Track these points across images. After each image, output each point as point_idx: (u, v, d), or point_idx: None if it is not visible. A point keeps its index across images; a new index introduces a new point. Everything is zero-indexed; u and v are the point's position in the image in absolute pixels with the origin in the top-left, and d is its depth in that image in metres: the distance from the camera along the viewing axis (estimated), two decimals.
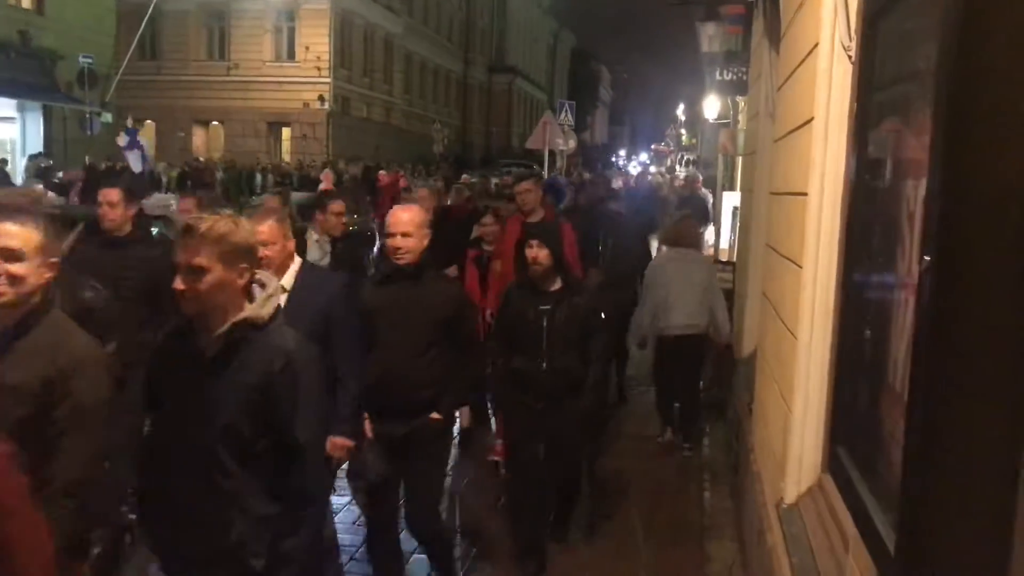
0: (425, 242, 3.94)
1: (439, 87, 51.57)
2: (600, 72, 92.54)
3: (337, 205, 6.05)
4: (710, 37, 11.38)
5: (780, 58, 5.00)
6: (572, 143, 19.33)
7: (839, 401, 3.16)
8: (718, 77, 12.91)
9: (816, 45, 3.35)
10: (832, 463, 3.15)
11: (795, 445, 3.37)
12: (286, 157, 34.68)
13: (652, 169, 54.26)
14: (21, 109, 22.55)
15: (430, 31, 48.97)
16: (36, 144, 23.08)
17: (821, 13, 3.26)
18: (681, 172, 47.56)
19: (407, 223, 3.91)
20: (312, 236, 5.87)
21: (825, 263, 3.28)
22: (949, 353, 1.64)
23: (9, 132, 22.73)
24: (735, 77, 11.96)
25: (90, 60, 22.56)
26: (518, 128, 61.24)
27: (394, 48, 43.31)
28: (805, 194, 3.36)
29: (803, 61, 3.72)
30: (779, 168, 4.50)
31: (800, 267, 3.39)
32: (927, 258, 1.73)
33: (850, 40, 3.17)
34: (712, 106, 19.20)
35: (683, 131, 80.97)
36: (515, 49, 62.02)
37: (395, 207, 4.18)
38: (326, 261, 5.68)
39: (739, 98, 14.79)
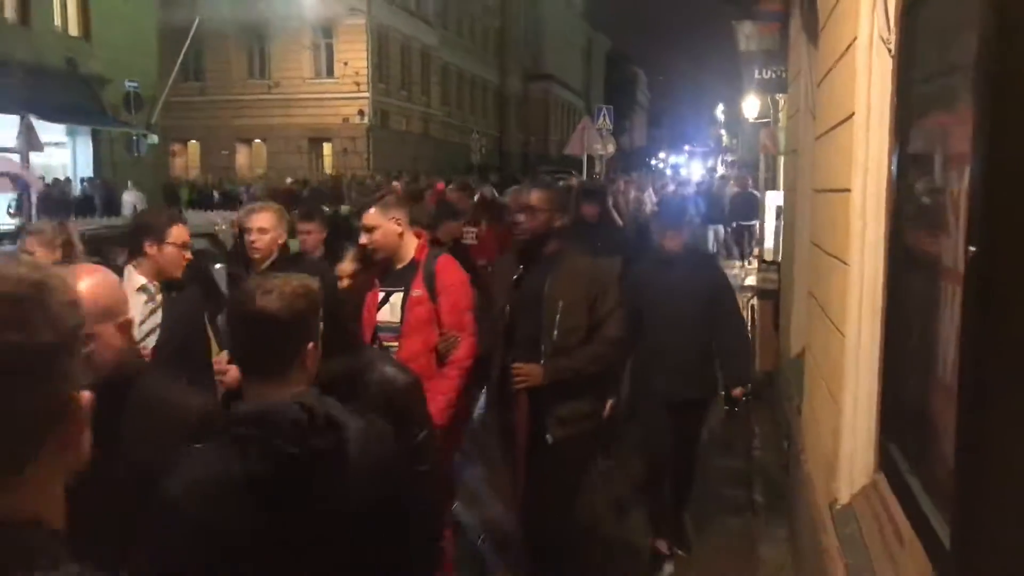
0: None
1: (476, 97, 51.83)
2: (637, 75, 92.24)
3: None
4: (747, 36, 11.29)
5: (819, 53, 4.96)
6: (611, 147, 19.30)
7: (890, 398, 3.11)
8: (757, 76, 12.81)
9: (855, 39, 3.32)
10: (885, 462, 3.11)
11: (847, 445, 3.32)
12: (328, 172, 35.10)
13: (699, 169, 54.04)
14: (71, 133, 23.13)
15: (466, 42, 49.27)
16: (86, 167, 23.68)
17: (859, 6, 3.23)
18: (721, 170, 47.25)
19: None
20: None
21: (871, 259, 3.24)
22: (999, 345, 1.62)
23: (61, 157, 23.31)
24: (774, 75, 11.87)
25: (135, 84, 23.08)
26: (555, 135, 61.25)
27: (431, 60, 43.65)
28: (848, 190, 3.32)
29: (842, 56, 3.69)
30: (821, 165, 4.46)
31: (846, 264, 3.35)
32: (972, 248, 1.71)
33: (889, 33, 3.14)
34: (752, 105, 19.06)
35: (723, 132, 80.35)
36: (550, 56, 62.08)
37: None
38: None
39: (779, 96, 14.67)
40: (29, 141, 15.77)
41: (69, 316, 0.99)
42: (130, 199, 20.36)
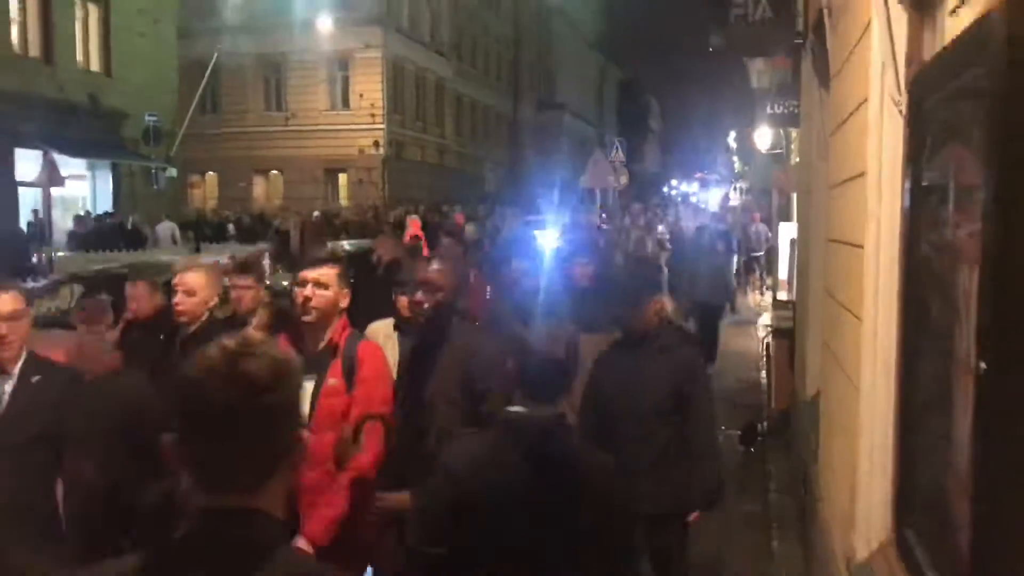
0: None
1: (490, 127, 52.20)
2: (649, 103, 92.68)
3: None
4: (759, 72, 11.40)
5: (830, 102, 5.02)
6: (624, 179, 19.41)
7: (906, 454, 3.13)
8: (769, 111, 12.90)
9: (866, 100, 3.38)
10: (903, 518, 3.12)
11: (863, 500, 3.34)
12: (344, 202, 35.38)
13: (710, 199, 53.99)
14: (91, 167, 23.46)
15: (479, 72, 49.71)
16: (106, 199, 24.00)
17: (870, 69, 3.30)
18: (735, 202, 47.25)
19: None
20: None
21: (885, 316, 3.27)
22: (1011, 413, 1.65)
23: (81, 189, 23.64)
24: (786, 110, 11.92)
25: (155, 118, 23.42)
26: (569, 164, 61.53)
27: (445, 91, 44.06)
28: (861, 247, 3.37)
29: (853, 112, 3.75)
30: (835, 216, 4.50)
31: (860, 320, 3.39)
32: (983, 365, 1.74)
33: (900, 95, 3.19)
34: (764, 137, 19.10)
35: (735, 158, 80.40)
36: (563, 85, 62.52)
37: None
38: None
39: (791, 129, 14.75)
40: (51, 177, 16.03)
41: (297, 380, 1.46)
42: (166, 230, 20.82)
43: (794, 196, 11.66)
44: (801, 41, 6.67)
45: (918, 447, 2.99)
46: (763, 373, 8.85)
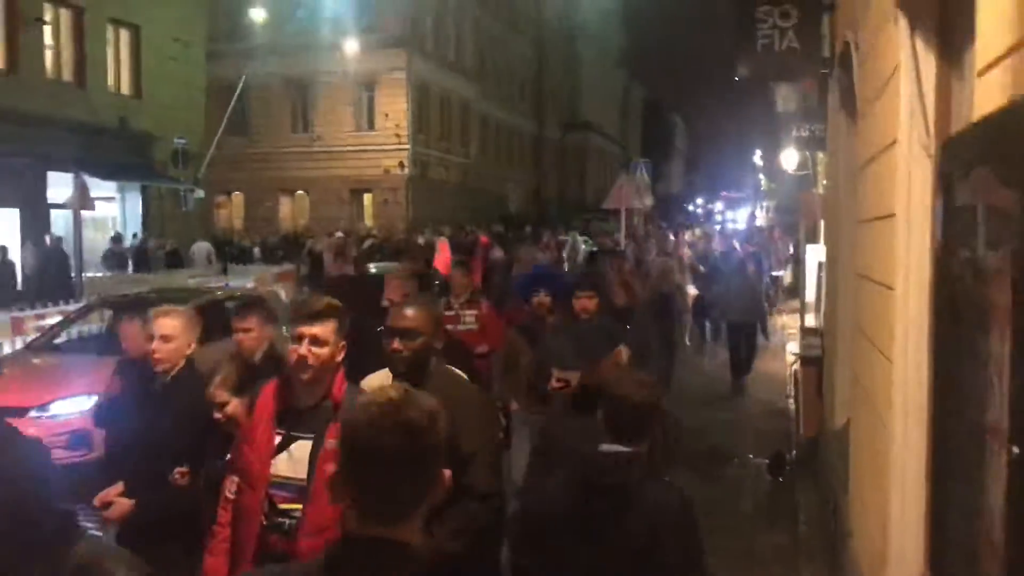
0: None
1: (514, 147, 52.43)
2: (674, 121, 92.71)
3: None
4: (784, 97, 11.38)
5: (858, 136, 5.02)
6: (648, 201, 19.41)
7: (939, 505, 3.12)
8: (795, 134, 12.89)
9: (894, 142, 3.39)
10: (937, 565, 3.10)
11: (895, 542, 3.33)
12: (369, 222, 35.63)
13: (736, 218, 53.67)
14: (121, 189, 23.80)
15: (503, 93, 50.01)
16: (135, 221, 24.34)
17: (899, 110, 3.31)
18: (761, 220, 47.07)
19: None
20: None
21: (915, 362, 3.27)
22: None
23: (110, 210, 24.00)
24: (812, 134, 11.91)
25: (184, 141, 23.77)
26: (593, 183, 61.60)
27: (469, 112, 44.34)
28: (892, 289, 3.37)
29: (882, 152, 3.76)
30: (864, 251, 4.50)
31: (890, 362, 3.39)
32: (1016, 449, 1.73)
33: (929, 139, 3.21)
34: (790, 158, 19.08)
35: (762, 176, 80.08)
36: (588, 105, 62.71)
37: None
38: None
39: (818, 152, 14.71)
40: (81, 200, 16.27)
41: (444, 424, 1.63)
42: (201, 251, 21.50)
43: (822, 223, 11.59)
44: (827, 71, 6.68)
45: (952, 501, 2.97)
46: (791, 400, 8.78)
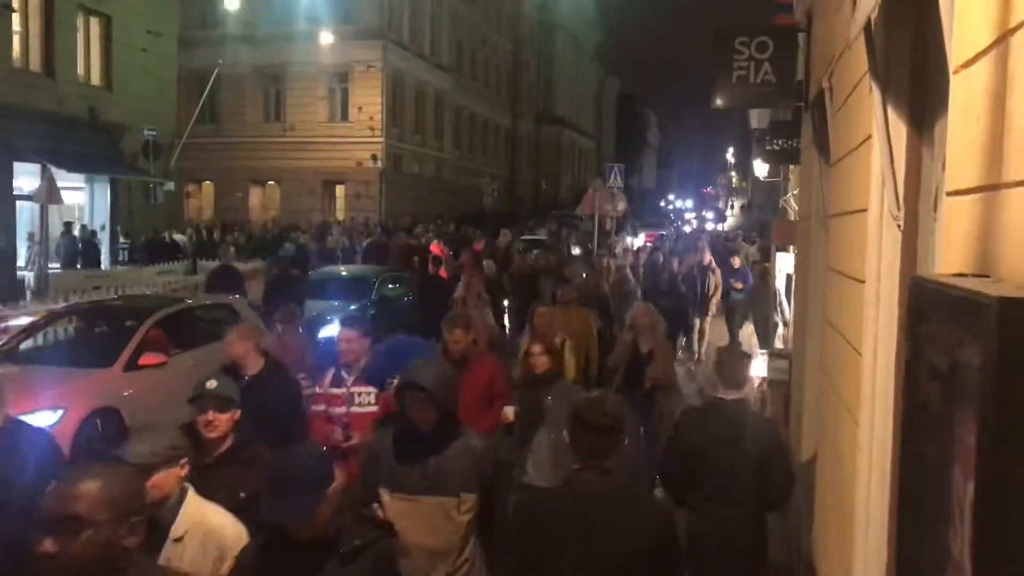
0: None
1: (488, 140, 52.37)
2: (647, 116, 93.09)
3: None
4: (758, 114, 11.46)
5: (829, 185, 5.09)
6: (621, 206, 19.50)
7: (902, 562, 3.19)
8: (768, 147, 12.99)
9: (865, 210, 3.45)
10: None
11: None
12: (340, 215, 35.44)
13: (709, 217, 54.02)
14: (89, 180, 23.46)
15: (479, 85, 49.90)
16: (103, 211, 24.00)
17: (870, 184, 3.37)
18: (731, 219, 47.41)
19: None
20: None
21: (881, 420, 3.34)
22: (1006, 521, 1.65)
23: (77, 198, 23.67)
24: (783, 147, 12.00)
25: (154, 132, 23.46)
26: (567, 178, 61.76)
27: (444, 104, 44.20)
28: (860, 354, 3.43)
29: (852, 213, 3.82)
30: (832, 302, 4.57)
31: (856, 424, 3.45)
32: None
33: (899, 210, 3.27)
34: (762, 167, 19.28)
35: (733, 174, 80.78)
36: (562, 99, 62.79)
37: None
38: None
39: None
40: (49, 193, 16.02)
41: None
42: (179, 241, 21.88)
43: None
44: (801, 104, 6.76)
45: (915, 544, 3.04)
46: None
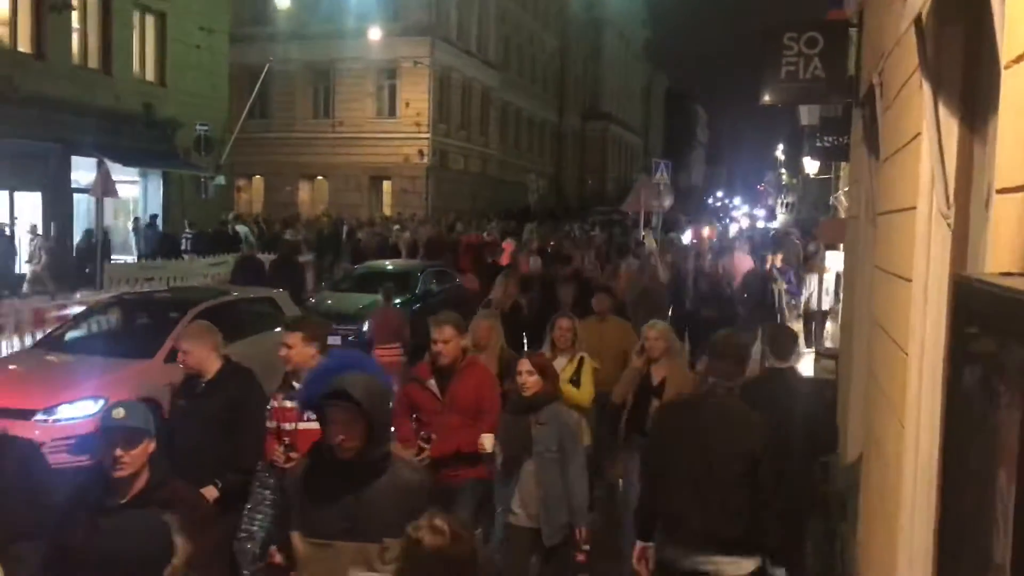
0: None
1: (534, 136, 52.35)
2: (696, 113, 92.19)
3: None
4: (809, 110, 11.30)
5: (879, 180, 5.01)
6: (668, 202, 19.35)
7: (946, 566, 3.13)
8: (817, 144, 12.83)
9: (914, 208, 3.39)
10: None
11: None
12: (387, 210, 35.73)
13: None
14: (143, 174, 24.02)
15: (525, 82, 49.89)
16: (156, 205, 24.56)
17: (919, 181, 3.31)
18: (781, 217, 46.68)
19: None
20: None
21: (928, 424, 3.28)
22: None
23: (132, 191, 24.25)
24: (834, 144, 11.83)
25: (206, 127, 23.93)
26: (613, 173, 61.47)
27: (491, 100, 44.29)
28: (906, 354, 3.38)
29: (901, 211, 3.76)
30: (879, 301, 4.49)
31: (902, 426, 3.40)
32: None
33: (948, 208, 3.20)
34: (812, 164, 19.01)
35: (783, 171, 79.62)
36: (609, 95, 62.49)
37: None
38: None
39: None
40: (104, 187, 16.38)
41: None
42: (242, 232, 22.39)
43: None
44: (851, 99, 6.65)
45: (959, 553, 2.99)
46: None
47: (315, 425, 3.66)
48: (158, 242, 20.94)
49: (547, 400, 4.77)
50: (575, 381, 6.08)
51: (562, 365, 6.00)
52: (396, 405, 5.18)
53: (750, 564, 3.94)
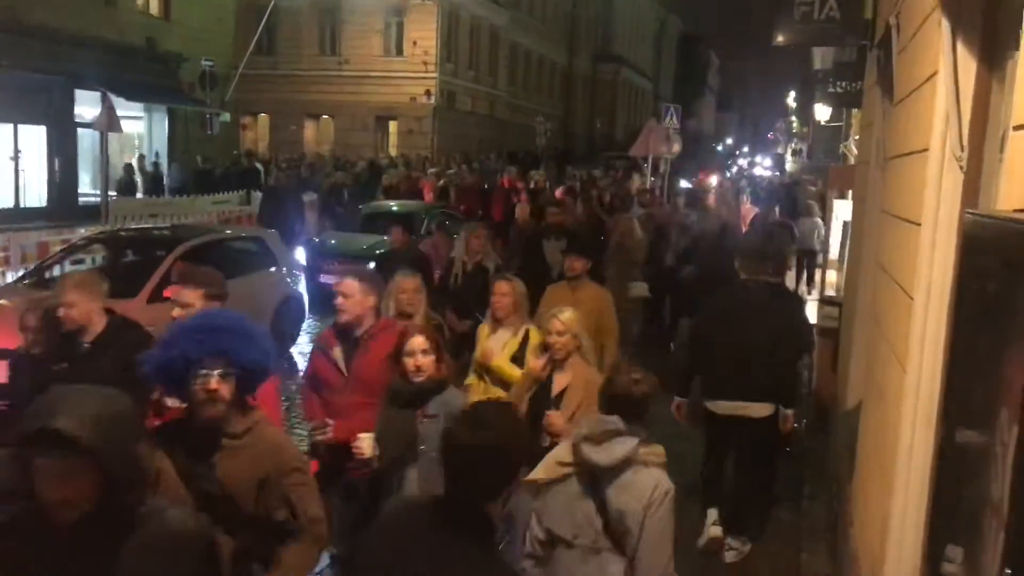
0: None
1: (543, 78, 51.64)
2: (708, 58, 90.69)
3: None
4: (822, 55, 11.09)
5: (891, 123, 4.92)
6: (676, 147, 19.15)
7: (940, 518, 3.15)
8: (830, 89, 12.62)
9: (926, 149, 3.33)
10: (931, 569, 3.15)
11: (893, 547, 3.38)
12: (392, 151, 35.45)
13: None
14: (147, 109, 23.84)
15: (535, 22, 49.04)
16: (161, 141, 24.43)
17: (933, 122, 3.24)
18: (790, 165, 46.26)
19: None
20: None
21: (929, 368, 3.27)
22: None
23: (137, 127, 24.10)
24: (846, 89, 11.64)
25: (211, 63, 23.64)
26: (623, 118, 60.79)
27: (499, 40, 43.59)
28: (912, 299, 3.35)
29: (913, 153, 3.69)
30: (886, 246, 4.45)
31: (904, 371, 3.39)
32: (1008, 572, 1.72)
33: (962, 151, 3.14)
34: (823, 110, 18.72)
35: (794, 118, 78.71)
36: (620, 37, 61.42)
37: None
38: None
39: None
40: (109, 122, 16.24)
41: None
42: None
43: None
44: (866, 42, 6.51)
45: (953, 515, 3.00)
46: (804, 373, 8.76)
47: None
48: (187, 180, 21.23)
49: (438, 388, 3.90)
50: (517, 359, 4.81)
51: (504, 340, 4.93)
52: (304, 377, 4.55)
53: (770, 408, 5.32)
